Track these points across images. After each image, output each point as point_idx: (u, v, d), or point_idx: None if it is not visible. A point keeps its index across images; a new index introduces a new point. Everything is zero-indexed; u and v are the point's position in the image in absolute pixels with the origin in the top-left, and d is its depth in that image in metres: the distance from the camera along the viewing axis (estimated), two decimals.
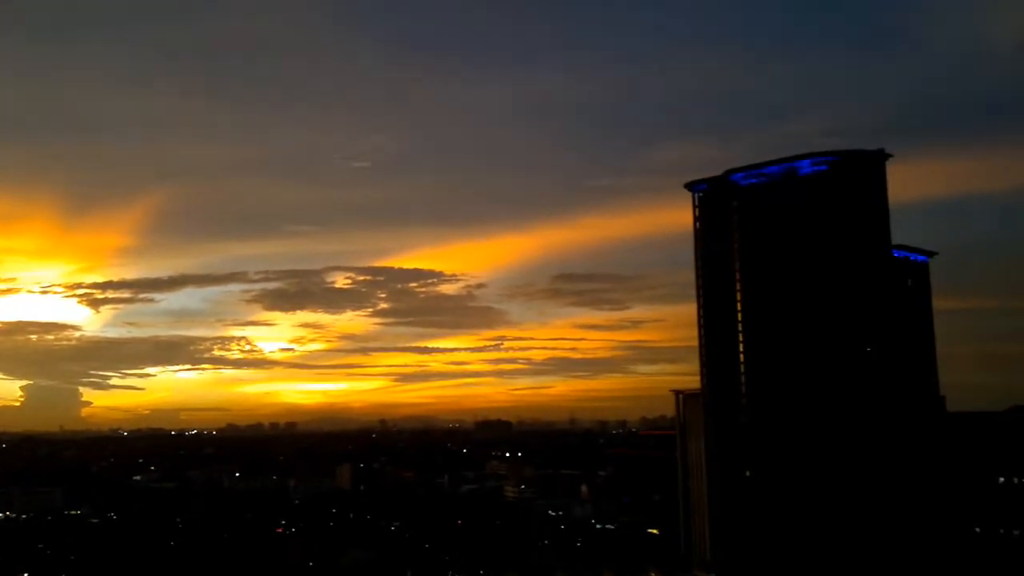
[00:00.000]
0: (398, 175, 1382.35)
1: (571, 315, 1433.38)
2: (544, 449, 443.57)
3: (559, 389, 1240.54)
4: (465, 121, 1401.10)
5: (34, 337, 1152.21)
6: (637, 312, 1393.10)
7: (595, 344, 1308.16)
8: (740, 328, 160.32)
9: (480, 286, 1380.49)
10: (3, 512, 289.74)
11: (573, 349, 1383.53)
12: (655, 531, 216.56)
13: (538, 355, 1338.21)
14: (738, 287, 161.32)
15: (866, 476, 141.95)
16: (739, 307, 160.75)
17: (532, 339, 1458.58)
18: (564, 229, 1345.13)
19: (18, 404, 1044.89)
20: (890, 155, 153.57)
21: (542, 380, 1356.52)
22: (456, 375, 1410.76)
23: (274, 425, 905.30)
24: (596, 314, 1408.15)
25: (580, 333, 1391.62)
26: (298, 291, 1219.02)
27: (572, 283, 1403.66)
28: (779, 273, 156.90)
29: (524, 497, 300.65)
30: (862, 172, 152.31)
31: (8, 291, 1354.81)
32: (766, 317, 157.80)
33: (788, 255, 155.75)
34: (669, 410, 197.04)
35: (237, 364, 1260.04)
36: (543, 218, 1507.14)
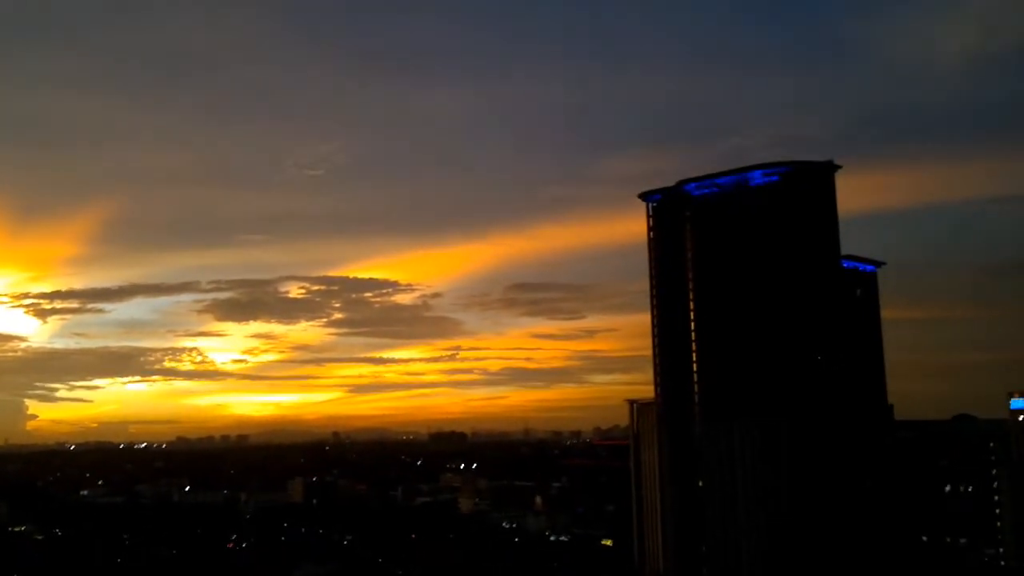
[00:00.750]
0: (352, 184, 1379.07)
1: (526, 325, 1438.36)
2: (499, 460, 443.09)
3: (514, 399, 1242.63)
4: (420, 130, 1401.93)
5: None
6: (591, 322, 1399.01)
7: (550, 354, 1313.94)
8: (693, 337, 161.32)
9: (435, 296, 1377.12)
10: None
11: (528, 359, 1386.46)
12: (608, 542, 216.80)
13: (493, 365, 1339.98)
14: (691, 296, 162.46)
15: (818, 483, 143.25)
16: (692, 316, 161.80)
17: (487, 349, 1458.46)
18: (519, 238, 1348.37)
19: None
20: (839, 166, 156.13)
21: (497, 390, 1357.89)
22: (411, 386, 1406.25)
23: (225, 438, 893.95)
24: (551, 324, 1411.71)
25: (535, 343, 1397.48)
26: (251, 301, 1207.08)
27: (527, 292, 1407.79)
28: (731, 282, 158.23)
29: (478, 510, 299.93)
30: (812, 183, 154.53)
31: None
32: (719, 326, 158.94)
33: (740, 264, 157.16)
34: (623, 420, 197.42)
35: (188, 375, 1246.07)
36: (498, 227, 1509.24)
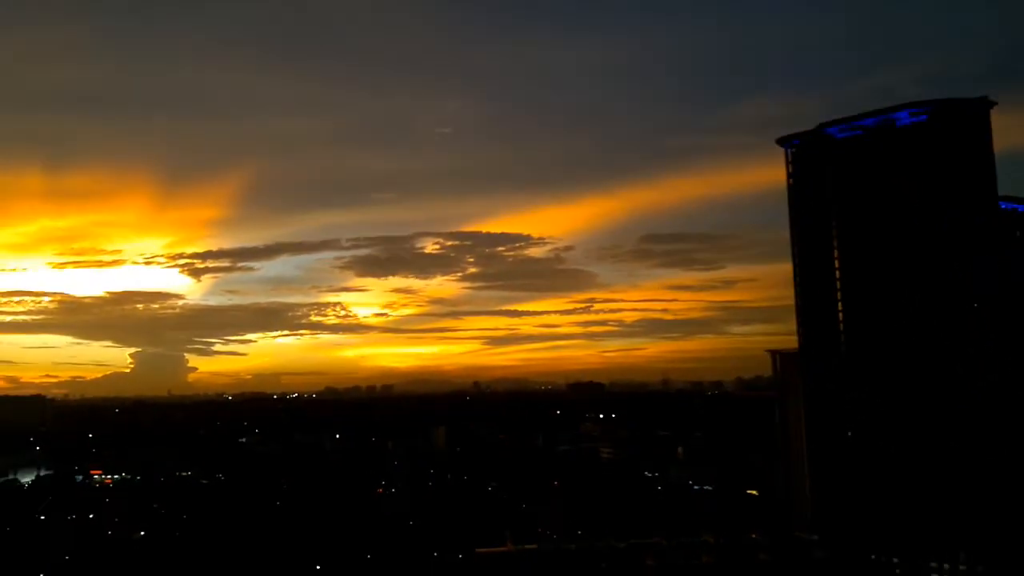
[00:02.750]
0: (481, 141, 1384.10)
1: (661, 276, 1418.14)
2: (638, 411, 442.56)
3: (651, 351, 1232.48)
4: (546, 83, 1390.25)
5: (140, 306, 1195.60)
6: (730, 271, 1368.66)
7: (687, 305, 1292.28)
8: (838, 286, 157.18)
9: (567, 249, 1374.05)
10: (119, 473, 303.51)
11: (664, 310, 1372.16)
12: (754, 492, 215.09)
13: (629, 317, 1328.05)
14: (835, 243, 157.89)
15: (970, 437, 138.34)
16: (836, 264, 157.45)
17: (622, 301, 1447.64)
18: (651, 189, 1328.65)
19: (128, 371, 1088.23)
20: (994, 102, 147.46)
21: (633, 342, 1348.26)
22: (546, 338, 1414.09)
23: (371, 388, 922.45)
24: (687, 275, 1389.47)
25: (671, 294, 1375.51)
26: (389, 257, 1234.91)
27: (661, 243, 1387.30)
28: (878, 228, 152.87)
29: (619, 458, 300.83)
30: (964, 121, 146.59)
31: (115, 263, 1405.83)
32: (865, 273, 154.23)
33: (887, 209, 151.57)
34: (765, 370, 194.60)
35: (333, 329, 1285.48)
36: (630, 179, 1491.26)
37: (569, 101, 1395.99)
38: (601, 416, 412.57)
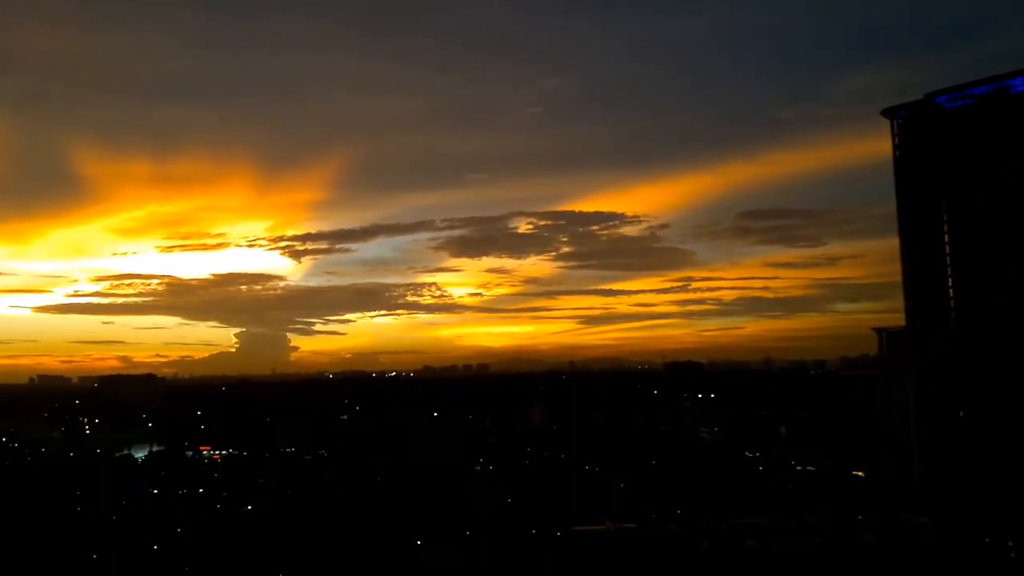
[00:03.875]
0: (574, 119, 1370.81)
1: (761, 253, 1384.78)
2: (738, 390, 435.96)
3: (751, 329, 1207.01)
4: (638, 59, 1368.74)
5: (244, 288, 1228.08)
6: (833, 248, 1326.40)
7: (788, 282, 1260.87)
8: (948, 261, 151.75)
9: (663, 227, 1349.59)
10: (226, 449, 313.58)
11: (765, 288, 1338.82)
12: (859, 473, 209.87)
13: (727, 295, 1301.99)
14: (944, 217, 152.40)
15: None
16: (946, 239, 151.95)
17: (720, 279, 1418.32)
18: (749, 165, 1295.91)
19: (233, 350, 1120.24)
20: None
21: (732, 320, 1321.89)
22: (642, 317, 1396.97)
23: (467, 367, 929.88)
24: (788, 251, 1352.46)
25: (772, 271, 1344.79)
26: (482, 237, 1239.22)
27: (760, 220, 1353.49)
28: (990, 201, 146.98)
29: (719, 438, 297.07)
30: None
31: (219, 246, 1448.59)
32: (976, 248, 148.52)
33: (999, 181, 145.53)
34: (871, 349, 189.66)
35: (429, 309, 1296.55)
36: (726, 154, 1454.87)
37: (663, 77, 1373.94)
38: (700, 396, 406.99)
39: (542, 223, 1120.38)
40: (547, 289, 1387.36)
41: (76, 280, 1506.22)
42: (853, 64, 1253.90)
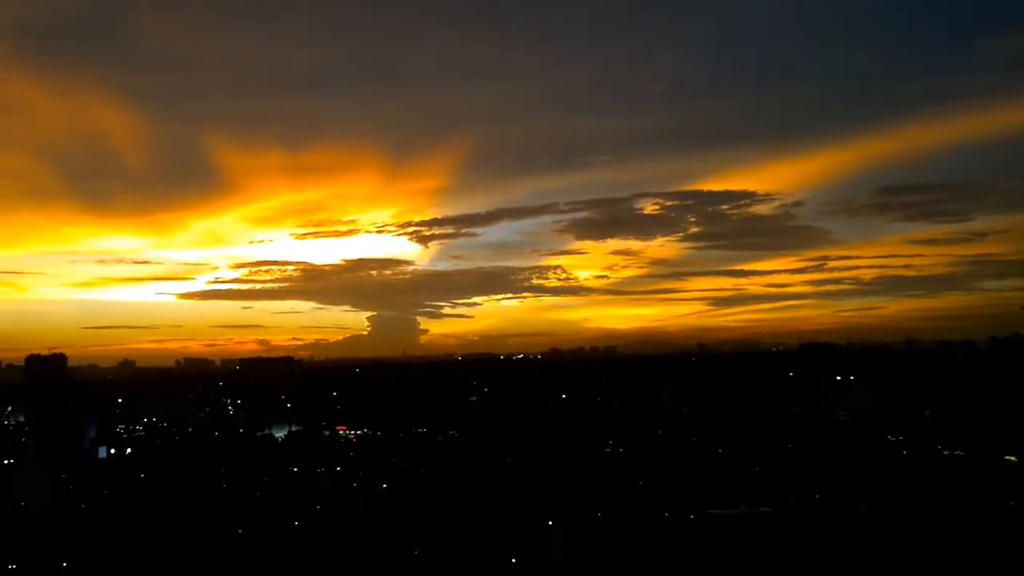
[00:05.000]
0: (700, 96, 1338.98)
1: (901, 230, 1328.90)
2: (878, 372, 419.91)
3: (891, 309, 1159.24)
4: (764, 32, 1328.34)
5: (374, 273, 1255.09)
6: (980, 223, 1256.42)
7: (931, 260, 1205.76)
8: None
9: (796, 204, 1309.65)
10: (361, 429, 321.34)
11: (906, 266, 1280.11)
12: (1012, 458, 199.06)
13: (866, 274, 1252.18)
14: None
15: None
16: None
17: (858, 257, 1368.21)
18: (886, 138, 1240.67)
19: (366, 333, 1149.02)
20: None
21: (871, 300, 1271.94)
22: (776, 298, 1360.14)
23: (594, 349, 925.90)
24: (930, 228, 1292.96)
25: (913, 249, 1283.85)
26: (607, 219, 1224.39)
27: (900, 195, 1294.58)
28: None
29: (859, 421, 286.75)
30: None
31: (350, 232, 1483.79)
32: None
33: None
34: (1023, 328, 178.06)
35: (555, 292, 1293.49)
36: (862, 127, 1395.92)
37: (793, 50, 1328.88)
38: (838, 378, 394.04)
39: (669, 203, 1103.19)
40: (675, 270, 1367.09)
41: (217, 267, 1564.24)
42: (999, 28, 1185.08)
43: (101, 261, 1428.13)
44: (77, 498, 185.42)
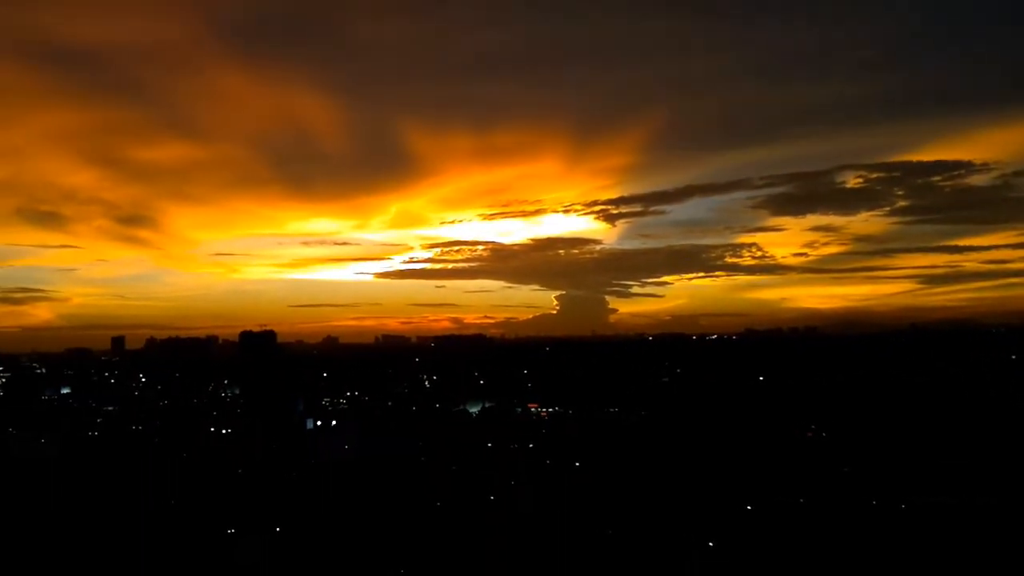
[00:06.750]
0: (905, 62, 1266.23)
1: None
2: None
3: None
4: None
5: (562, 252, 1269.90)
6: None
7: None
8: None
9: (1017, 174, 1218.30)
10: (553, 407, 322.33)
11: None
12: None
13: None
14: None
15: None
16: None
17: None
18: None
19: (554, 312, 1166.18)
20: None
21: None
22: (996, 275, 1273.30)
23: (793, 330, 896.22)
24: None
25: None
26: (805, 194, 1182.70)
27: None
28: None
29: None
30: None
31: (537, 212, 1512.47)
32: None
33: None
34: None
35: (750, 270, 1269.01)
36: None
37: (1012, 4, 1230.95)
38: None
39: (873, 176, 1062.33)
40: (881, 247, 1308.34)
41: (411, 248, 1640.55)
42: None
43: (305, 243, 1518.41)
44: (290, 468, 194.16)
